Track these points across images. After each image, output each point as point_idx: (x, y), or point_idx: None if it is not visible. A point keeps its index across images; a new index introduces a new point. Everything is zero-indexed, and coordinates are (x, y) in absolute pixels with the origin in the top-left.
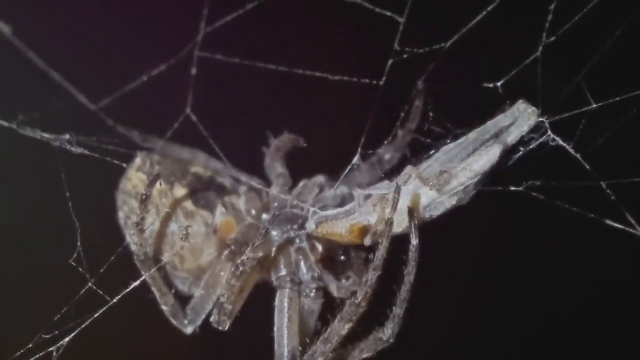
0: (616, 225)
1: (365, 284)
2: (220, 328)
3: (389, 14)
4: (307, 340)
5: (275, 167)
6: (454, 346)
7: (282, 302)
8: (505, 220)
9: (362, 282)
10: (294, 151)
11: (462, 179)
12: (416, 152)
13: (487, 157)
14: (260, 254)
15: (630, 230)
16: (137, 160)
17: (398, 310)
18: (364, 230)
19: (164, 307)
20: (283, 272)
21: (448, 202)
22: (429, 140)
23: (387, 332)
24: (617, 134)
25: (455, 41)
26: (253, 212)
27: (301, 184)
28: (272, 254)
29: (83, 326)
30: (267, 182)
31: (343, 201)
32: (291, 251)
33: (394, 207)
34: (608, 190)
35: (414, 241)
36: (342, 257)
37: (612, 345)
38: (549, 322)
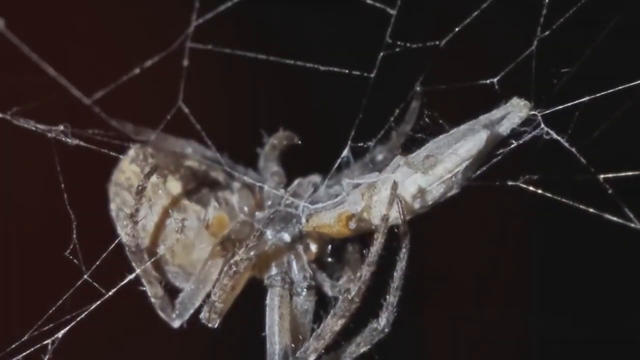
0: (614, 219)
1: (359, 280)
2: (210, 325)
3: (380, 5)
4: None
5: (270, 166)
6: (449, 338)
7: (273, 300)
8: (503, 214)
9: (356, 277)
10: (289, 149)
11: (448, 164)
12: (408, 147)
13: (473, 142)
14: (253, 252)
15: (629, 224)
16: (131, 153)
17: (392, 299)
18: (352, 219)
19: (153, 300)
20: (274, 272)
21: (436, 190)
22: (422, 135)
23: (382, 322)
24: (612, 127)
25: (450, 36)
26: (246, 209)
27: (296, 182)
28: (265, 253)
29: (78, 319)
30: (261, 179)
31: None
32: (283, 251)
33: (390, 204)
34: (605, 184)
35: (404, 228)
36: (335, 259)
37: (609, 338)
38: (547, 316)
